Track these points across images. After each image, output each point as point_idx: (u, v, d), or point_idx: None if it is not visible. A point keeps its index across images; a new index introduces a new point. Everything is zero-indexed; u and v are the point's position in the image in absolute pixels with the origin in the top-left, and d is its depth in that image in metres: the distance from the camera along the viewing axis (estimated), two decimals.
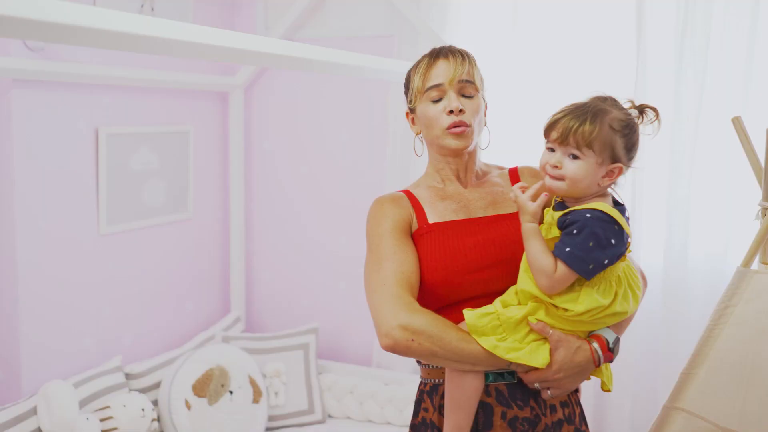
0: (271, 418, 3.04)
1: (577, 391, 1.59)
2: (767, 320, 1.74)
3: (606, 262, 1.38)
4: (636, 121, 1.46)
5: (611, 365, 1.56)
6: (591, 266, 1.36)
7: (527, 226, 1.43)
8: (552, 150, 1.44)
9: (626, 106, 1.48)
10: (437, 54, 1.58)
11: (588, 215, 1.38)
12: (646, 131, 1.48)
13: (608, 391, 1.54)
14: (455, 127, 1.53)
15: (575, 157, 1.40)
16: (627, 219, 1.46)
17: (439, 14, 2.96)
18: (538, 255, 1.40)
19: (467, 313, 1.44)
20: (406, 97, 1.65)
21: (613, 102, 1.46)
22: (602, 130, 1.39)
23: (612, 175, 1.43)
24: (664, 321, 2.70)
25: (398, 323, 1.39)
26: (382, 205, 1.59)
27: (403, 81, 1.68)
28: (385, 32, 3.16)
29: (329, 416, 3.16)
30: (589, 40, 2.76)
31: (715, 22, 2.55)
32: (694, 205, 2.64)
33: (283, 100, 3.43)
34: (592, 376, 1.53)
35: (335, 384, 3.16)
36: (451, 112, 1.53)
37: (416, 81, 1.58)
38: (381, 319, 1.42)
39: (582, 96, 1.53)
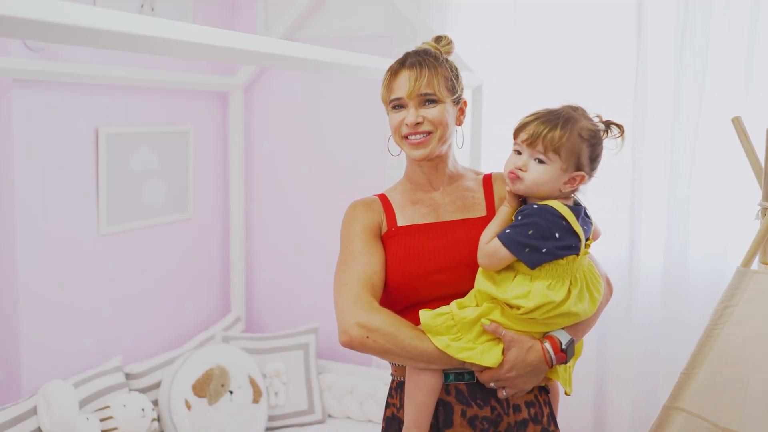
0: (271, 418, 3.04)
1: (547, 391, 1.62)
2: (767, 320, 1.74)
3: (545, 251, 1.43)
4: (601, 134, 1.51)
5: (575, 369, 1.61)
6: (527, 250, 1.42)
7: (501, 209, 1.53)
8: (518, 152, 1.49)
9: (594, 120, 1.52)
10: (401, 63, 1.60)
11: (535, 206, 1.46)
12: (609, 146, 1.53)
13: (568, 394, 1.59)
14: (410, 136, 1.59)
15: (541, 161, 1.45)
16: (586, 219, 1.52)
17: (439, 14, 2.96)
18: (486, 229, 1.50)
19: (423, 313, 1.50)
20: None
21: (583, 112, 1.51)
22: (571, 137, 1.44)
23: (573, 182, 1.49)
24: (664, 321, 2.70)
25: (355, 321, 1.46)
26: (354, 209, 1.66)
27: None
28: (384, 32, 3.16)
29: (329, 416, 3.16)
30: (589, 40, 2.76)
31: (715, 22, 2.55)
32: (694, 205, 2.64)
33: (283, 100, 3.43)
34: (553, 379, 1.58)
35: (335, 384, 3.16)
36: (408, 125, 1.58)
37: (382, 91, 1.64)
38: (341, 316, 1.50)
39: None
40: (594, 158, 1.49)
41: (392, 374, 1.65)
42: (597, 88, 2.75)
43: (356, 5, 3.23)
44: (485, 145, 2.83)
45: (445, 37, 1.68)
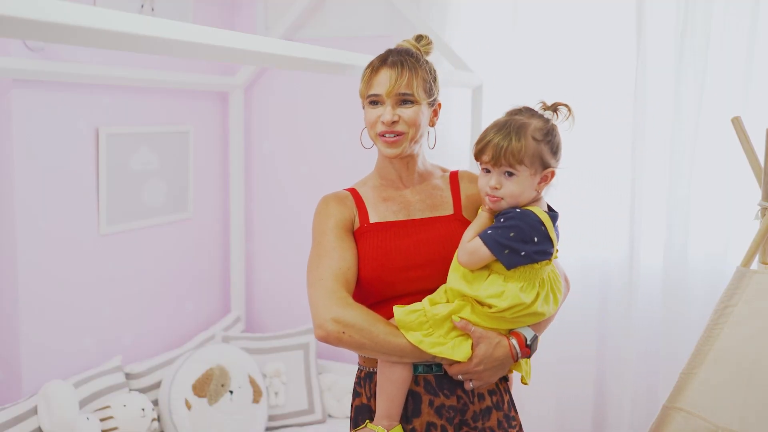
0: (271, 418, 3.04)
1: (506, 380, 1.70)
2: (767, 320, 1.75)
3: (523, 254, 1.48)
4: (553, 121, 1.56)
5: (532, 361, 1.72)
6: (506, 251, 1.48)
7: (481, 213, 1.58)
8: (487, 171, 1.54)
9: (539, 107, 1.57)
10: (383, 61, 1.64)
11: (518, 210, 1.52)
12: (564, 127, 1.57)
13: (526, 384, 1.66)
14: (386, 135, 1.63)
15: (511, 174, 1.51)
16: (556, 227, 1.57)
17: (439, 14, 2.96)
18: (468, 228, 1.56)
19: (397, 309, 1.56)
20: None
21: (528, 112, 1.56)
22: (528, 143, 1.50)
23: (546, 179, 1.55)
24: (664, 321, 2.70)
25: (331, 316, 1.51)
26: (327, 203, 1.70)
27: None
28: (384, 32, 3.16)
29: (329, 416, 3.16)
30: (589, 40, 2.76)
31: (715, 22, 2.55)
32: (694, 205, 2.64)
33: (283, 100, 3.43)
34: (514, 371, 1.65)
35: (335, 384, 3.16)
36: (384, 123, 1.61)
37: (361, 86, 1.67)
38: (316, 311, 1.54)
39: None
40: (555, 151, 1.55)
41: (360, 365, 1.71)
42: (597, 88, 2.76)
43: (356, 5, 3.23)
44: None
45: (426, 36, 1.73)
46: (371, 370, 1.66)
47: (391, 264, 1.60)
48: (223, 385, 2.87)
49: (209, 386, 2.84)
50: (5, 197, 2.52)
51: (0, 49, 2.44)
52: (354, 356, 3.33)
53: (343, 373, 3.21)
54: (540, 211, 1.53)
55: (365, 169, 3.26)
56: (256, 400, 2.95)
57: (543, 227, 1.51)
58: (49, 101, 2.60)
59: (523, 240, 1.48)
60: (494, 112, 2.86)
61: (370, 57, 2.13)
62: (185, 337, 3.28)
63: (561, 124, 1.57)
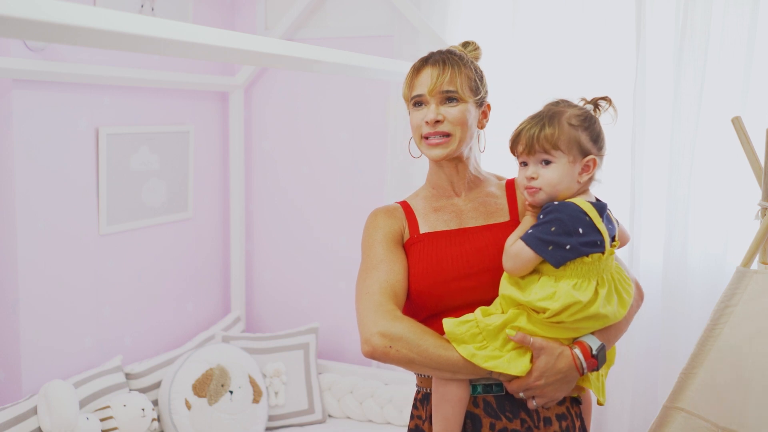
0: (271, 418, 3.04)
1: (579, 403, 1.58)
2: (767, 320, 1.75)
3: (569, 247, 1.39)
4: (593, 113, 1.50)
5: (607, 378, 1.56)
6: (550, 247, 1.39)
7: (525, 218, 1.51)
8: (525, 164, 1.48)
9: (580, 104, 1.52)
10: (425, 61, 1.58)
11: (557, 203, 1.43)
12: (606, 121, 1.52)
13: (601, 404, 1.53)
14: (431, 137, 1.55)
15: (547, 162, 1.44)
16: (607, 217, 1.48)
17: (439, 14, 2.96)
18: (511, 235, 1.48)
19: (447, 321, 1.46)
20: None
21: (565, 103, 1.51)
22: (562, 129, 1.44)
23: (588, 169, 1.47)
24: (664, 321, 2.70)
25: (378, 330, 1.42)
26: (376, 216, 1.63)
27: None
28: (384, 32, 3.16)
29: (329, 416, 3.16)
30: (589, 40, 2.76)
31: (715, 22, 2.55)
32: (694, 204, 2.64)
33: (283, 100, 3.43)
34: (586, 389, 1.53)
35: (335, 384, 3.16)
36: (428, 122, 1.54)
37: (404, 89, 1.61)
38: (363, 326, 1.45)
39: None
40: (596, 139, 1.48)
41: (417, 385, 1.62)
42: (597, 88, 2.73)
43: (356, 5, 3.23)
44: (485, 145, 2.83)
45: (473, 42, 1.67)
46: (428, 390, 1.56)
47: (442, 274, 1.51)
48: (223, 385, 2.87)
49: (209, 386, 2.84)
50: (5, 197, 2.52)
51: (0, 49, 2.44)
52: (355, 358, 3.34)
53: (343, 373, 3.21)
54: (581, 201, 1.43)
55: (365, 169, 3.28)
56: (256, 400, 2.95)
57: (587, 217, 1.41)
58: (49, 101, 2.60)
59: (566, 233, 1.38)
60: (494, 111, 2.87)
61: (370, 57, 2.14)
62: (185, 337, 3.28)
63: (602, 117, 1.51)
